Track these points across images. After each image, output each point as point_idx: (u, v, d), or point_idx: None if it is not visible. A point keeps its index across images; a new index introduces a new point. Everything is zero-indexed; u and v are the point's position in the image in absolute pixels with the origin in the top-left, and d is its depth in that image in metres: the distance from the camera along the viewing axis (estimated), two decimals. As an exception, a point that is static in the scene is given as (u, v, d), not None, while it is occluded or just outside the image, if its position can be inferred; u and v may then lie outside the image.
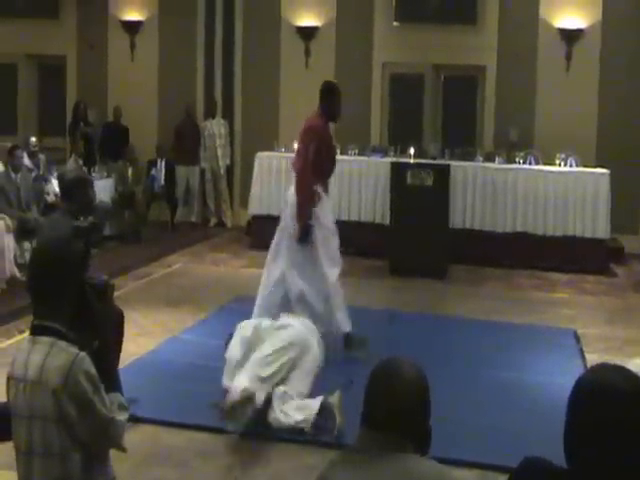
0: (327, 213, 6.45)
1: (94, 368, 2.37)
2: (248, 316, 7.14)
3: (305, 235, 6.23)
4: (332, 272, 6.38)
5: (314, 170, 6.17)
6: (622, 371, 1.81)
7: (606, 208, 9.76)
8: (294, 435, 4.76)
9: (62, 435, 2.33)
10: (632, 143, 11.31)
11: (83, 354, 2.37)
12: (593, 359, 6.15)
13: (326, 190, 6.51)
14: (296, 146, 6.68)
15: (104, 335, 2.56)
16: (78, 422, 2.33)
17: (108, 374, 2.54)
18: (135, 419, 4.55)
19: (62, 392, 2.30)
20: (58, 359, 2.32)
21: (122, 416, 2.47)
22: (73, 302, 2.44)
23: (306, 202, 6.16)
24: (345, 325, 6.32)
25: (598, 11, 11.37)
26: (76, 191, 5.28)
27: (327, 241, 6.40)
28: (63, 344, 2.36)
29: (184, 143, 12.02)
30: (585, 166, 10.29)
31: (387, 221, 9.79)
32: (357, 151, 10.78)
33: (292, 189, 6.33)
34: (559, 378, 5.67)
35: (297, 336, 5.20)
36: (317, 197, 6.26)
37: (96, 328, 2.52)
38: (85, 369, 2.33)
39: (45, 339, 2.37)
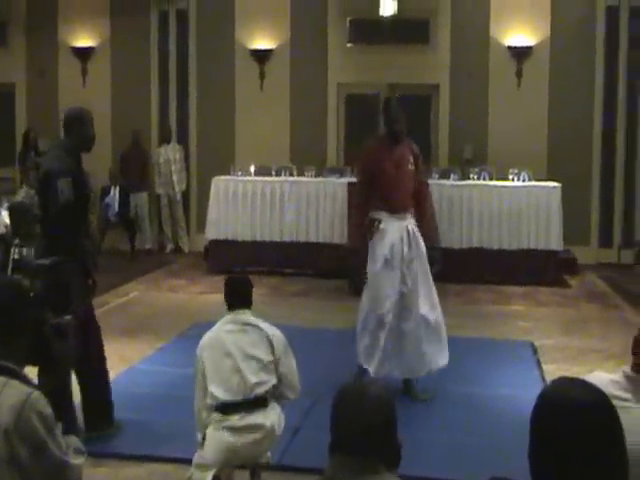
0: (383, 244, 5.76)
1: (49, 408, 2.29)
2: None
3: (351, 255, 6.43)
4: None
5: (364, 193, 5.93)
6: (583, 385, 1.82)
7: (558, 221, 9.94)
8: None
9: (14, 477, 2.23)
10: (582, 156, 11.57)
11: (37, 393, 2.29)
12: (550, 370, 6.25)
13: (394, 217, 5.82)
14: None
15: (61, 376, 2.51)
16: (31, 464, 2.24)
17: (65, 416, 2.49)
18: (95, 454, 4.48)
19: (13, 432, 2.21)
20: (10, 398, 2.24)
21: (78, 460, 2.38)
22: (29, 341, 2.38)
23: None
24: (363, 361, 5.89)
25: (546, 28, 11.62)
26: (76, 126, 5.06)
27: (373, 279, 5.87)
28: (16, 383, 2.29)
29: (130, 170, 11.97)
30: (537, 180, 10.48)
31: (345, 241, 9.82)
32: (314, 172, 10.83)
33: None
34: (519, 390, 5.75)
35: None
36: (374, 225, 5.79)
37: (54, 369, 2.49)
38: (38, 409, 2.25)
39: None
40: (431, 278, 5.85)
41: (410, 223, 5.81)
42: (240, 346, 3.95)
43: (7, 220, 9.97)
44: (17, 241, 9.81)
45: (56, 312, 4.87)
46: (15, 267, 9.52)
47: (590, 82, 11.58)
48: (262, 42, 12.23)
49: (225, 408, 3.87)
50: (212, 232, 10.63)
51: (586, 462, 1.71)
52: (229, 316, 4.12)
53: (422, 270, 5.79)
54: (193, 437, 4.13)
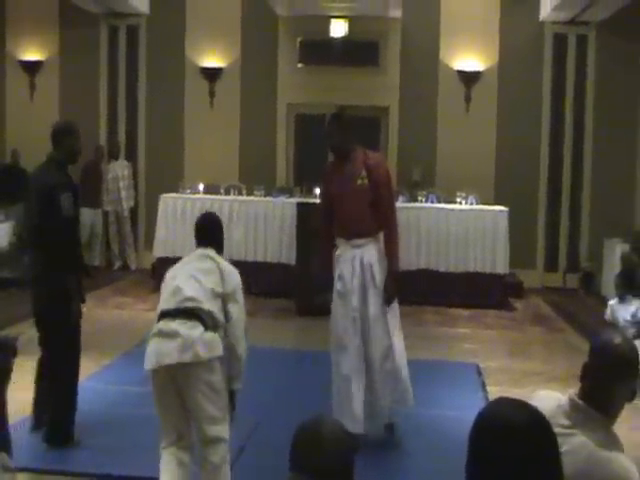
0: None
1: None
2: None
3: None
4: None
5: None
6: (519, 405, 1.82)
7: (505, 244, 10.07)
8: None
9: None
10: (529, 181, 11.77)
11: None
12: (494, 391, 6.29)
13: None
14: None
15: None
16: None
17: (1, 433, 2.53)
18: (38, 471, 4.41)
19: None
20: None
21: (5, 476, 2.35)
22: None
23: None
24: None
25: (495, 54, 11.84)
26: (64, 139, 5.15)
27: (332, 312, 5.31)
28: None
29: (89, 185, 11.78)
30: (484, 204, 10.61)
31: (293, 261, 9.81)
32: (263, 192, 10.80)
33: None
34: (463, 412, 5.74)
35: None
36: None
37: None
38: None
39: None
40: (390, 315, 5.16)
41: (367, 251, 5.11)
42: (188, 270, 4.06)
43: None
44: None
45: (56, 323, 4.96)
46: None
47: (538, 107, 11.81)
48: (212, 60, 12.21)
49: (159, 316, 3.96)
50: (160, 250, 10.52)
51: None
52: (195, 251, 4.23)
53: (377, 308, 5.11)
54: (138, 454, 4.06)
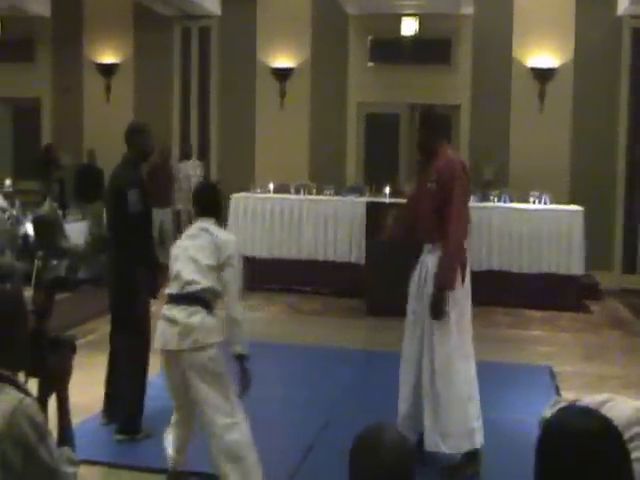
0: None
1: (41, 415, 2.31)
2: (226, 359, 7.07)
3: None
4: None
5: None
6: (588, 413, 1.80)
7: (580, 245, 9.82)
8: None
9: None
10: (604, 180, 11.45)
11: (29, 400, 2.31)
12: (569, 396, 6.11)
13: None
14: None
15: (58, 389, 2.53)
16: (22, 470, 2.26)
17: (64, 428, 2.51)
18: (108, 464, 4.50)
19: (5, 437, 2.23)
20: (3, 403, 2.26)
21: (70, 469, 2.39)
22: (25, 350, 2.41)
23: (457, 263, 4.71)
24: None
25: (570, 50, 11.56)
26: (136, 138, 5.33)
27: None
28: (10, 390, 2.31)
29: (157, 185, 11.95)
30: (558, 203, 10.37)
31: (363, 261, 9.77)
32: (333, 191, 10.80)
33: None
34: (536, 417, 5.63)
35: None
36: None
37: (48, 380, 2.50)
38: (30, 415, 2.26)
39: None
40: (437, 335, 4.70)
41: (430, 259, 4.77)
42: (186, 249, 4.21)
43: (31, 232, 10.05)
44: (40, 253, 9.89)
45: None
46: (38, 278, 9.61)
47: (614, 104, 11.49)
48: (283, 60, 12.27)
49: (167, 300, 4.21)
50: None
51: None
52: (195, 223, 4.36)
53: (428, 321, 4.75)
54: (203, 449, 4.11)
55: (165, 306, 4.20)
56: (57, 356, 2.51)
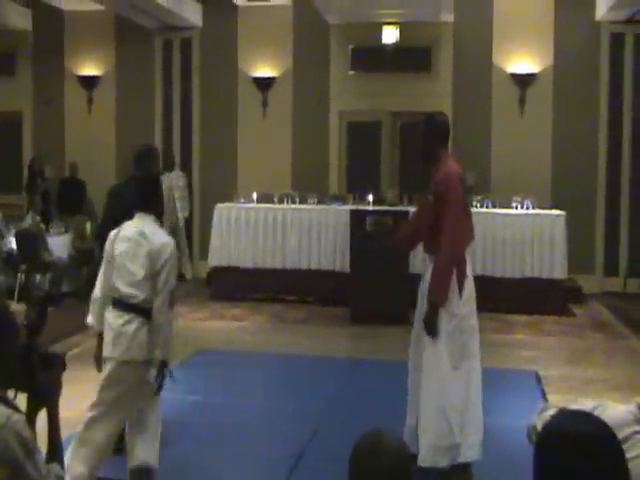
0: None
1: (28, 431, 2.30)
2: (211, 370, 7.08)
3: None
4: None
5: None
6: (583, 416, 1.84)
7: (563, 249, 9.88)
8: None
9: None
10: (586, 184, 11.54)
11: (17, 416, 2.29)
12: (555, 400, 6.15)
13: None
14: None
15: (48, 405, 2.52)
16: None
17: (53, 444, 2.51)
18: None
19: None
20: None
21: None
22: (11, 366, 2.39)
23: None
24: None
25: (550, 55, 11.66)
26: (145, 161, 5.44)
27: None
28: None
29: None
30: (541, 208, 10.43)
31: (347, 269, 9.79)
32: (316, 200, 10.82)
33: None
34: (523, 421, 5.65)
35: None
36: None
37: (37, 396, 2.49)
38: (17, 431, 2.24)
39: None
40: (428, 350, 4.67)
41: (429, 271, 4.75)
42: (122, 255, 4.26)
43: (14, 245, 10.00)
44: (24, 267, 9.86)
45: None
46: (21, 293, 9.56)
47: (595, 108, 11.59)
48: (265, 70, 12.30)
49: (110, 301, 4.29)
50: (215, 259, 10.61)
51: None
52: (135, 218, 4.36)
53: (421, 334, 4.76)
54: (196, 463, 4.09)
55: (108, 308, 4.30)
56: (48, 372, 2.50)
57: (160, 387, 4.25)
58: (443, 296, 4.62)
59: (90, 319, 4.43)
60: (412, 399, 4.90)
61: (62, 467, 2.50)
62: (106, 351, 4.27)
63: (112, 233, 4.38)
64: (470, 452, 4.72)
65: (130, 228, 4.34)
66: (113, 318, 4.22)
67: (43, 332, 2.65)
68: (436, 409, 4.64)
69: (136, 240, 4.26)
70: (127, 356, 4.19)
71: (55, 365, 2.53)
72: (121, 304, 4.22)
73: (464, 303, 4.74)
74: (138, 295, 4.19)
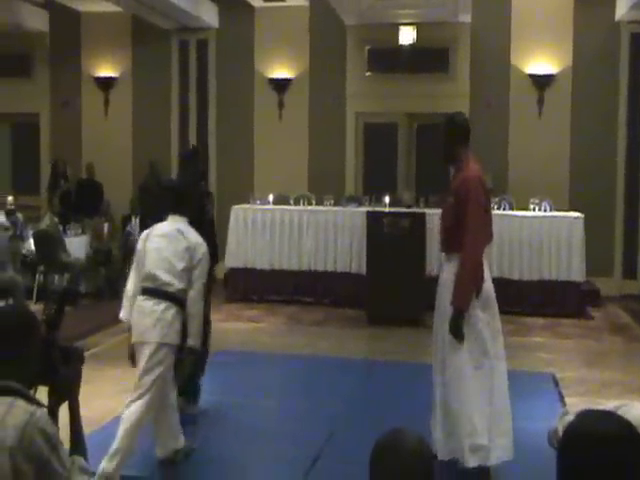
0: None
1: (53, 427, 2.34)
2: (228, 371, 7.08)
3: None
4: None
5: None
6: (607, 416, 1.82)
7: (581, 251, 9.80)
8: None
9: None
10: (604, 186, 11.44)
11: (41, 412, 2.34)
12: (573, 403, 6.11)
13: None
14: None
15: (69, 398, 2.54)
16: None
17: (76, 437, 2.53)
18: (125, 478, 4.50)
19: (18, 450, 2.25)
20: (15, 418, 2.29)
21: (82, 478, 2.42)
22: (35, 362, 2.44)
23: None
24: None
25: (568, 56, 11.58)
26: (188, 164, 5.94)
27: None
28: (22, 403, 2.34)
29: (148, 199, 11.97)
30: (558, 210, 10.36)
31: (364, 270, 9.77)
32: (332, 201, 10.81)
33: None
34: (540, 423, 5.60)
35: None
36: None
37: (59, 390, 2.52)
38: (42, 427, 2.29)
39: (5, 398, 2.35)
40: (451, 344, 4.65)
41: (448, 271, 4.74)
42: (159, 250, 4.66)
43: (32, 246, 10.06)
44: (41, 268, 9.91)
45: None
46: (39, 293, 9.63)
47: (614, 110, 11.49)
48: (281, 71, 12.30)
49: (141, 291, 4.64)
50: (231, 260, 10.62)
51: None
52: (169, 219, 4.82)
53: (439, 333, 4.81)
54: (213, 463, 4.08)
55: (139, 298, 4.62)
56: (68, 366, 2.53)
57: (189, 374, 4.69)
58: (467, 300, 4.61)
59: (124, 314, 4.71)
60: (436, 400, 4.86)
61: (85, 458, 2.52)
62: (145, 336, 4.54)
63: (144, 233, 4.82)
64: (501, 453, 4.71)
65: (165, 227, 4.76)
66: (152, 305, 4.54)
67: (60, 326, 2.69)
68: (459, 410, 4.62)
69: (175, 236, 4.68)
70: (167, 339, 4.51)
71: (75, 359, 2.56)
72: (158, 293, 4.56)
73: (483, 308, 4.71)
74: (176, 284, 4.55)
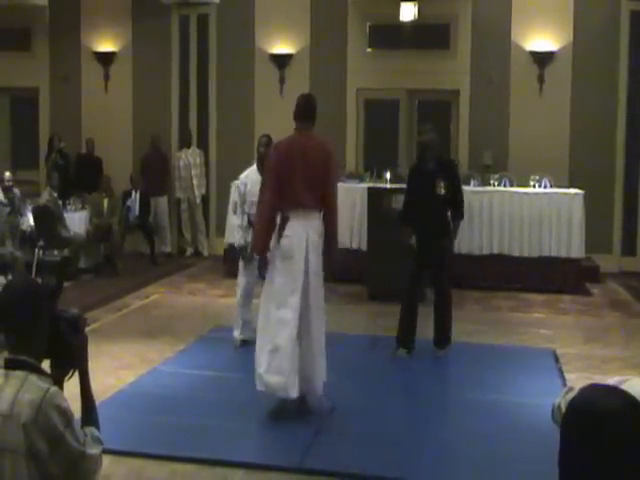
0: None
1: (66, 402, 2.36)
2: (227, 346, 7.12)
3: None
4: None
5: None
6: (611, 390, 1.81)
7: (580, 228, 9.84)
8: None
9: (32, 470, 2.30)
10: (604, 163, 11.45)
11: (55, 388, 2.36)
12: (572, 378, 6.16)
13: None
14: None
15: (82, 366, 2.55)
16: (49, 457, 2.31)
17: (88, 405, 2.54)
18: (118, 453, 4.52)
19: (32, 426, 2.28)
20: (29, 393, 2.31)
21: (95, 449, 2.44)
22: (45, 335, 2.45)
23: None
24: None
25: (569, 33, 11.53)
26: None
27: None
28: (35, 378, 2.36)
29: (150, 174, 11.98)
30: (559, 187, 10.38)
31: (364, 246, 9.78)
32: (333, 177, 10.76)
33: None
34: (541, 399, 5.66)
35: None
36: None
37: (71, 360, 2.52)
38: (56, 403, 2.32)
39: (18, 373, 2.37)
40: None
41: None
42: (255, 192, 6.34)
43: (32, 222, 10.05)
44: (41, 243, 9.91)
45: None
46: (39, 269, 9.63)
47: (614, 87, 11.47)
48: (282, 47, 12.24)
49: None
50: (231, 236, 10.59)
51: (616, 469, 1.69)
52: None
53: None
54: (213, 438, 4.11)
55: None
56: (76, 337, 2.52)
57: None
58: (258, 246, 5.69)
59: (239, 240, 7.01)
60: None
61: (97, 427, 2.54)
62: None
63: (240, 180, 7.39)
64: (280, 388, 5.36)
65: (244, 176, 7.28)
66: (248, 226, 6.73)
67: (60, 295, 2.69)
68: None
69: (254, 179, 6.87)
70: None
71: (80, 326, 2.55)
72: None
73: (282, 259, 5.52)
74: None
